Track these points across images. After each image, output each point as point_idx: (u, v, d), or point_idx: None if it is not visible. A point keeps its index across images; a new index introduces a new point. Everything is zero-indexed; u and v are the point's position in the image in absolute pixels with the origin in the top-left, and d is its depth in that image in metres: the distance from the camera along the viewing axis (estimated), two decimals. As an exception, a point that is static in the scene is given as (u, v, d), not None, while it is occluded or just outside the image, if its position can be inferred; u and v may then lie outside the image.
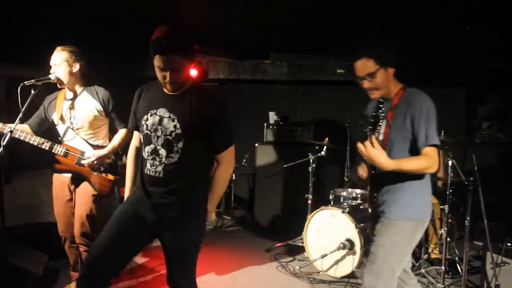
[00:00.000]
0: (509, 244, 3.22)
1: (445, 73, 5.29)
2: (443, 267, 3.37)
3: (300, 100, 6.29)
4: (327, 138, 4.65)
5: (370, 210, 2.57)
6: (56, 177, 3.14)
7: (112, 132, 3.16)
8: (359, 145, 2.15)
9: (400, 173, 2.19)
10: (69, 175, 3.07)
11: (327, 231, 3.98)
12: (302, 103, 6.28)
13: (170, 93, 2.15)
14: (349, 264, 3.77)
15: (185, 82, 2.15)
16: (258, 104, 6.23)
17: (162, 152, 2.13)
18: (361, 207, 4.17)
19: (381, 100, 2.22)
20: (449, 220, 3.68)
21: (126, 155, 2.52)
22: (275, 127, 5.64)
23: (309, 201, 4.67)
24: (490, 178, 3.59)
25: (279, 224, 5.22)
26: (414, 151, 2.25)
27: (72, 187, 3.10)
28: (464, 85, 5.34)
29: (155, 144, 2.14)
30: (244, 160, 5.75)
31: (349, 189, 4.47)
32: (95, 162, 2.97)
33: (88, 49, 3.06)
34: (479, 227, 4.15)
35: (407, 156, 2.26)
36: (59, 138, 3.06)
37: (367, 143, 2.11)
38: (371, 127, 2.17)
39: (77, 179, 3.06)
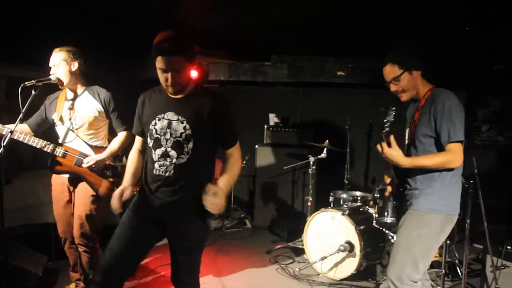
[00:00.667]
0: (509, 247, 3.22)
1: (445, 76, 5.28)
2: (443, 270, 3.36)
3: (300, 102, 6.30)
4: (327, 140, 4.65)
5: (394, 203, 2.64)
6: (55, 178, 3.14)
7: (112, 132, 3.15)
8: (377, 146, 2.30)
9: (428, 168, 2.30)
10: (67, 176, 3.07)
11: (327, 233, 3.97)
12: (303, 105, 6.29)
13: (175, 97, 2.20)
14: (349, 266, 3.77)
15: (187, 84, 2.19)
16: (258, 105, 6.25)
17: (173, 153, 2.17)
18: (361, 209, 4.17)
19: (393, 107, 2.28)
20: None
21: (126, 157, 2.52)
22: (275, 128, 5.65)
23: (309, 203, 4.66)
24: (490, 181, 3.59)
25: (279, 226, 5.22)
26: (440, 147, 2.31)
27: (71, 188, 3.09)
28: (464, 88, 5.33)
29: (165, 146, 2.18)
30: (244, 162, 5.74)
31: (349, 191, 4.46)
32: (93, 165, 2.97)
33: (89, 49, 3.07)
34: (479, 230, 4.14)
35: (434, 153, 2.33)
36: (59, 140, 3.06)
37: (384, 143, 2.25)
38: (387, 129, 2.27)
39: (75, 180, 3.06)
